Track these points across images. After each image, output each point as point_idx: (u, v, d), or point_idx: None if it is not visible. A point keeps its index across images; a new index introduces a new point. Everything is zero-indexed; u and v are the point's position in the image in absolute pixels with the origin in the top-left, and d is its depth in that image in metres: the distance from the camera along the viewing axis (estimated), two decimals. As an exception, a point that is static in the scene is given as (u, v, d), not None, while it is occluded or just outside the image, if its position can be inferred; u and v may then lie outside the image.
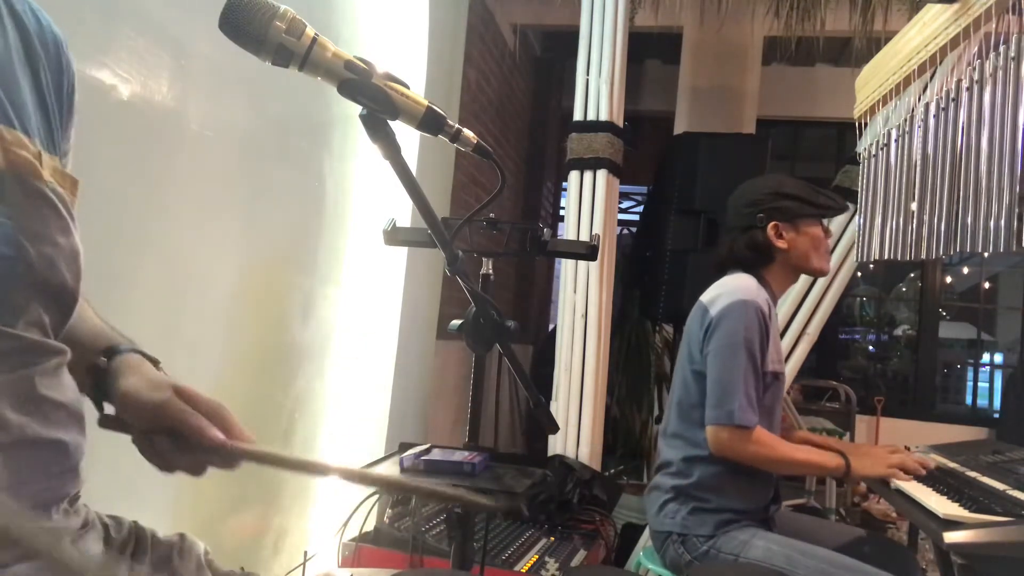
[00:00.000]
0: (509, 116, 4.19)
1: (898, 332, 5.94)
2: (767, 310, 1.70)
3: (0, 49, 0.69)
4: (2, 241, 0.64)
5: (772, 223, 1.78)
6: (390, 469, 1.20)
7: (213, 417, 0.74)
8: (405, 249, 2.53)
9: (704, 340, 1.71)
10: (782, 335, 2.96)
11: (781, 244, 1.78)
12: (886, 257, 1.92)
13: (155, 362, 0.83)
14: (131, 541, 0.82)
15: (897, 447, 1.81)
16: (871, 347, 5.98)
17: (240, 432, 0.75)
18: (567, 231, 2.88)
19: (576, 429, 2.76)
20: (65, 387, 0.72)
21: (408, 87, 0.81)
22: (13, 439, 0.65)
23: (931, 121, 1.71)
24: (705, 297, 1.78)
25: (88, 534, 0.76)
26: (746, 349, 1.63)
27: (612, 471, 3.66)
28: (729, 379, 1.62)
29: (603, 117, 2.83)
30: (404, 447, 1.30)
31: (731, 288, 1.73)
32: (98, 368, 0.79)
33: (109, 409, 0.79)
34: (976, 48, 1.54)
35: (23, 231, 0.65)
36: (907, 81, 1.85)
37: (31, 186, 0.67)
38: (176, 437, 0.73)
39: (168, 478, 0.75)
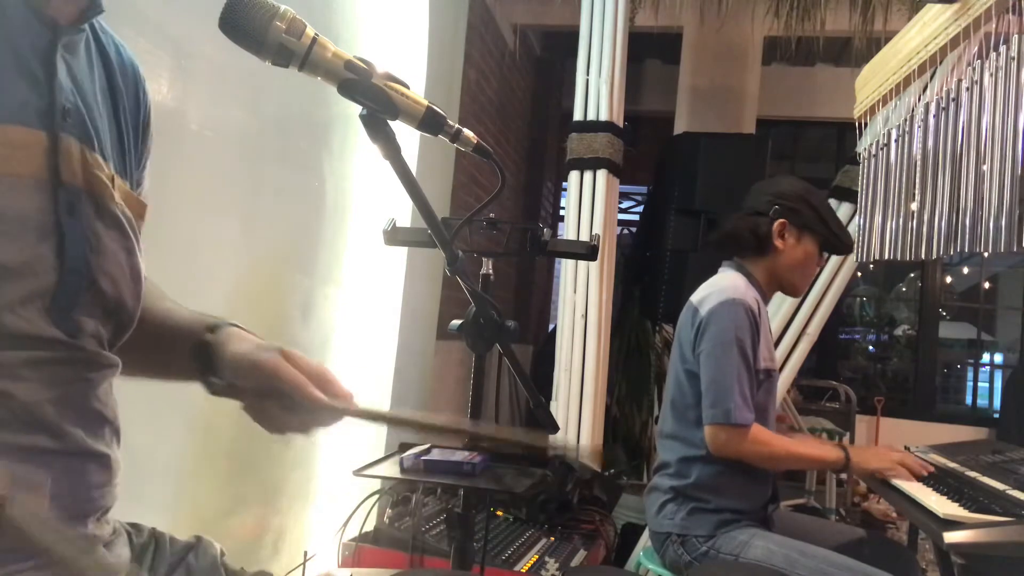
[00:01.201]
0: (509, 116, 4.19)
1: (898, 332, 5.94)
2: (756, 308, 1.70)
3: (86, 80, 0.73)
4: (75, 258, 0.68)
5: (781, 220, 1.78)
6: (390, 469, 1.20)
7: (316, 378, 0.78)
8: (405, 249, 2.53)
9: (695, 340, 1.71)
10: (782, 335, 2.96)
11: (778, 243, 1.78)
12: (886, 257, 1.92)
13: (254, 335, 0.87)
14: (151, 545, 0.85)
15: (895, 448, 1.81)
16: (871, 347, 5.98)
17: (341, 390, 0.80)
18: (567, 231, 2.88)
19: (576, 429, 2.76)
20: (112, 403, 0.76)
21: (408, 87, 0.81)
22: (67, 449, 0.68)
23: (931, 121, 1.71)
24: (695, 297, 1.78)
25: (118, 540, 0.79)
26: (738, 348, 1.64)
27: (612, 471, 3.66)
28: (723, 378, 1.63)
29: (603, 117, 2.83)
30: (404, 447, 1.29)
31: (720, 287, 1.73)
32: (206, 343, 0.82)
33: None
34: (976, 48, 1.54)
35: (92, 248, 0.70)
36: (907, 81, 1.85)
37: (104, 206, 0.71)
38: (283, 398, 0.77)
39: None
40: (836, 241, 1.83)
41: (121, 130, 0.78)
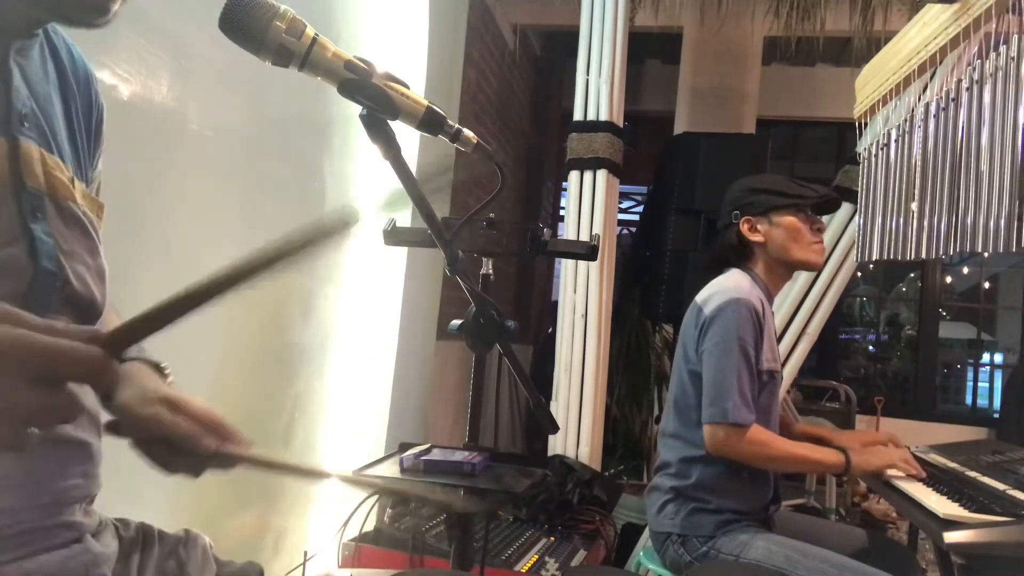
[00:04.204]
0: (509, 116, 4.19)
1: (899, 332, 5.95)
2: (761, 308, 1.70)
3: (41, 83, 0.74)
4: (46, 257, 0.69)
5: (744, 218, 1.80)
6: (390, 469, 1.20)
7: (206, 424, 0.75)
8: (405, 249, 2.53)
9: (699, 339, 1.71)
10: (782, 335, 2.96)
11: (756, 238, 1.79)
12: (886, 257, 1.92)
13: (158, 366, 0.85)
14: (139, 538, 0.86)
15: (896, 437, 1.81)
16: (871, 347, 5.98)
17: (234, 434, 0.77)
18: (567, 231, 2.88)
19: (576, 429, 2.76)
20: (89, 394, 0.76)
21: (408, 87, 0.81)
22: (48, 436, 0.69)
23: (931, 121, 1.71)
24: (699, 297, 1.79)
25: (105, 532, 0.80)
26: (739, 347, 1.64)
27: (612, 471, 3.66)
28: (723, 378, 1.62)
29: (603, 117, 2.83)
30: (404, 447, 1.29)
31: (724, 287, 1.74)
32: None
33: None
34: (976, 48, 1.54)
35: (61, 249, 0.71)
36: (907, 81, 1.85)
37: (66, 208, 0.72)
38: (170, 444, 0.74)
39: (167, 480, 0.76)
40: (801, 198, 1.79)
41: (74, 131, 0.79)
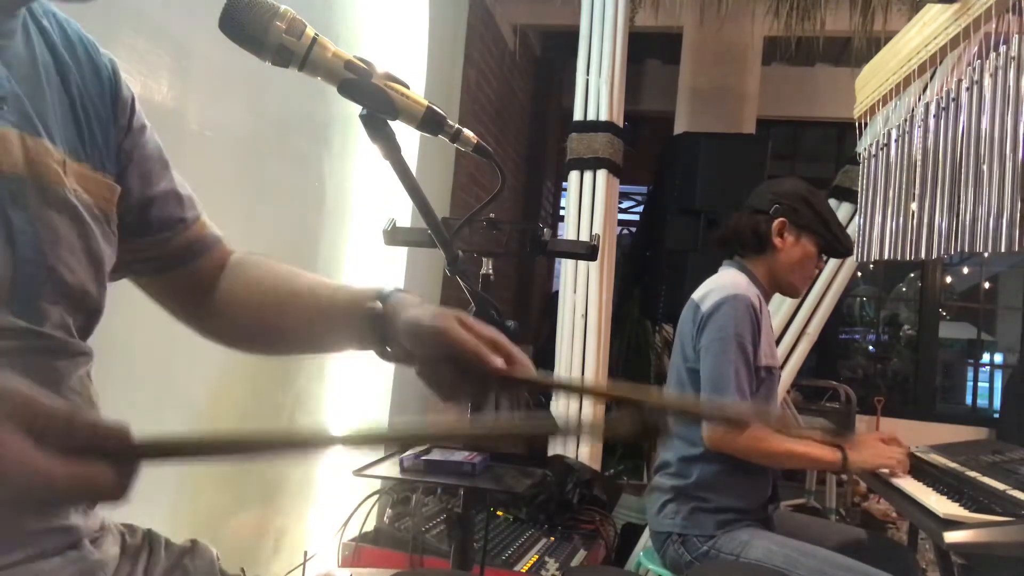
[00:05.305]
0: (509, 116, 4.18)
1: (899, 332, 5.95)
2: (758, 304, 1.71)
3: (26, 60, 0.71)
4: (27, 247, 0.66)
5: (781, 219, 1.79)
6: (390, 469, 1.21)
7: (494, 346, 0.74)
8: (405, 249, 2.53)
9: (696, 336, 1.71)
10: (782, 335, 2.96)
11: (777, 242, 1.79)
12: (886, 257, 1.92)
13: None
14: (145, 546, 0.83)
15: (895, 436, 1.82)
16: (871, 347, 5.98)
17: (522, 360, 0.76)
18: (567, 231, 2.88)
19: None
20: (89, 392, 0.74)
21: (408, 87, 0.81)
22: None
23: (931, 121, 1.71)
24: (696, 294, 1.79)
25: (106, 537, 0.78)
26: (737, 343, 1.64)
27: (612, 471, 3.66)
28: (721, 374, 1.63)
29: (603, 117, 2.83)
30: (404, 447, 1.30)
31: (721, 284, 1.74)
32: (375, 312, 0.80)
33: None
34: (976, 48, 1.54)
35: (45, 238, 0.68)
36: (907, 81, 1.85)
37: (53, 193, 0.69)
38: (459, 364, 0.72)
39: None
40: (835, 243, 1.83)
41: (75, 109, 0.75)
